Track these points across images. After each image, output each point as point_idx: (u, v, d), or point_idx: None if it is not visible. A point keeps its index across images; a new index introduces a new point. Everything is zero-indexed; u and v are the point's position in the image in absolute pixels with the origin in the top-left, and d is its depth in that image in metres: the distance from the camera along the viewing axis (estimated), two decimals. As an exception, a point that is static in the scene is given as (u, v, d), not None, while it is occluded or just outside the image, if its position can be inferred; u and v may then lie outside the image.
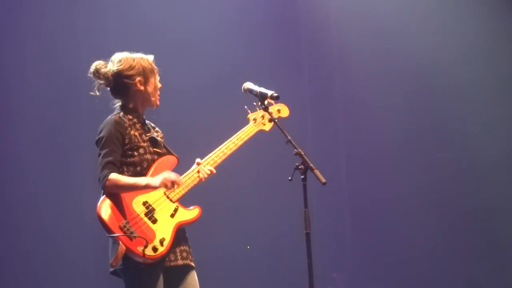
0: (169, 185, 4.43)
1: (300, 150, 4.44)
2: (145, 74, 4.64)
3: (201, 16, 8.27)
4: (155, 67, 4.70)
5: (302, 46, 8.72)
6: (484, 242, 8.11)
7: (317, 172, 4.37)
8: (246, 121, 4.76)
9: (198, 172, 4.57)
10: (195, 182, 4.57)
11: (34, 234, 7.74)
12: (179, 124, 7.46)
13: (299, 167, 4.41)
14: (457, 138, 8.26)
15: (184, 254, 4.55)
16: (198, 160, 4.64)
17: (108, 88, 4.66)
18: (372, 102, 8.45)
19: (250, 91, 4.72)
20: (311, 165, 4.38)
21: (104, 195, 4.39)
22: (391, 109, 8.38)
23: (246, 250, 8.20)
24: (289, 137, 4.50)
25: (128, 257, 4.34)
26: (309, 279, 4.37)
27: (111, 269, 4.46)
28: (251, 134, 4.74)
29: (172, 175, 4.44)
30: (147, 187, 4.42)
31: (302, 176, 4.40)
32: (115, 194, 4.38)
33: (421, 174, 8.31)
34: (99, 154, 4.45)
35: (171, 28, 8.11)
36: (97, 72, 4.62)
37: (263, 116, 4.79)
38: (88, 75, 4.66)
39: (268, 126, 4.78)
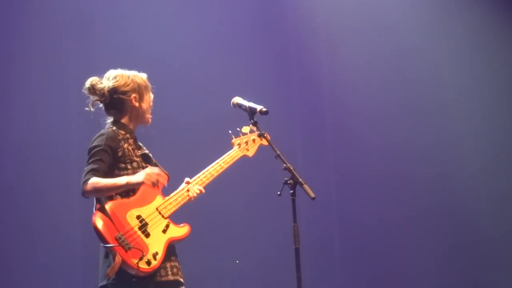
0: (154, 181, 4.44)
1: (289, 165, 4.46)
2: (140, 91, 4.70)
3: (187, 30, 8.27)
4: (149, 84, 4.76)
5: (291, 60, 8.73)
6: (476, 253, 8.11)
7: (306, 187, 4.39)
8: (231, 143, 4.87)
9: (188, 191, 4.64)
10: (185, 200, 4.64)
11: (20, 246, 7.69)
12: (166, 139, 7.43)
13: (288, 182, 4.43)
14: (444, 152, 8.28)
15: (175, 270, 4.58)
16: (187, 179, 4.70)
17: (101, 105, 4.69)
18: (362, 116, 8.46)
19: (239, 105, 4.76)
20: (300, 180, 4.40)
21: (99, 207, 4.41)
22: (381, 124, 8.39)
23: (235, 265, 8.17)
24: (278, 152, 4.52)
25: (120, 271, 4.35)
26: (298, 293, 4.37)
27: (101, 284, 4.47)
28: (236, 158, 4.85)
29: (155, 170, 4.47)
30: (128, 185, 4.44)
31: (291, 191, 4.42)
32: (112, 205, 4.40)
33: (411, 187, 8.30)
34: (87, 163, 4.49)
35: (156, 45, 8.11)
36: (92, 88, 4.66)
37: (246, 142, 4.92)
38: (83, 91, 4.69)
39: (251, 152, 4.92)
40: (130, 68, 4.80)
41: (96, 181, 4.39)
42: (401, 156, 8.35)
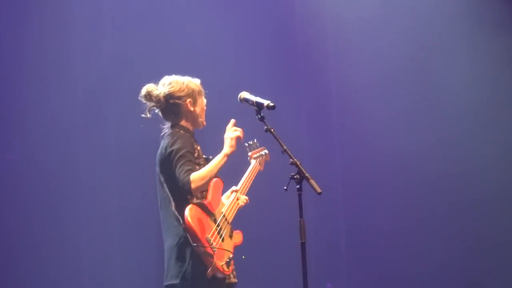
0: (238, 138, 4.75)
1: (295, 159, 4.46)
2: (194, 95, 4.87)
3: (196, 26, 8.27)
4: (202, 89, 4.93)
5: (298, 57, 8.74)
6: (483, 249, 8.10)
7: (312, 182, 4.38)
8: (248, 156, 5.19)
9: (238, 199, 4.92)
10: (237, 208, 4.91)
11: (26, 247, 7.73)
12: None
13: (295, 176, 4.42)
14: (452, 149, 8.27)
15: (235, 273, 4.80)
16: (234, 187, 4.96)
17: (157, 110, 4.84)
18: (368, 113, 8.46)
19: (246, 100, 4.77)
20: (307, 174, 4.40)
21: (189, 207, 4.54)
22: (387, 120, 8.39)
23: (241, 260, 8.18)
24: (285, 147, 4.52)
25: (196, 271, 4.52)
26: (304, 288, 4.37)
27: (172, 282, 4.61)
28: (257, 171, 5.16)
29: (231, 133, 4.75)
30: (226, 158, 4.69)
31: (298, 186, 4.41)
32: (197, 207, 4.57)
33: (417, 184, 8.30)
34: (176, 165, 4.60)
35: (165, 41, 8.12)
36: (148, 95, 4.81)
37: (259, 157, 5.20)
38: (139, 98, 4.83)
39: (262, 166, 5.21)
40: (137, 67, 4.85)
41: (197, 174, 4.55)
42: (407, 152, 8.34)
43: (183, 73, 4.96)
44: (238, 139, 4.75)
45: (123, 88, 7.87)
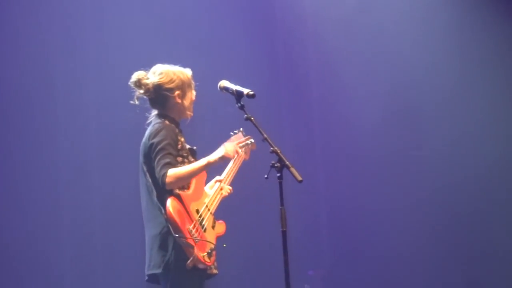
0: (235, 153, 4.71)
1: (276, 148, 4.47)
2: (183, 88, 4.86)
3: (175, 15, 8.24)
4: (193, 81, 4.92)
5: (278, 45, 8.73)
6: (461, 238, 8.13)
7: (293, 170, 4.40)
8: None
9: (222, 189, 4.91)
10: (221, 198, 4.89)
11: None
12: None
13: (275, 165, 4.43)
14: (431, 135, 8.30)
15: (216, 264, 4.79)
16: (218, 177, 4.95)
17: (145, 97, 4.84)
18: (349, 101, 8.47)
19: (226, 89, 4.78)
20: (287, 163, 4.41)
21: (170, 198, 4.54)
22: (367, 107, 8.41)
23: (223, 249, 8.17)
24: (265, 135, 4.53)
25: (177, 261, 4.53)
26: (285, 276, 4.39)
27: (154, 271, 4.62)
28: (242, 160, 5.10)
29: (233, 143, 4.76)
30: (209, 165, 4.65)
31: (278, 174, 4.42)
32: (179, 198, 4.56)
33: (399, 171, 8.32)
34: (156, 158, 4.59)
35: (147, 29, 8.08)
36: (138, 82, 4.81)
37: (245, 146, 5.12)
38: (129, 83, 4.83)
39: (247, 156, 5.16)
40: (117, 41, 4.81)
41: (175, 170, 4.54)
42: (389, 140, 8.35)
43: (161, 62, 4.94)
44: (235, 155, 4.73)
45: (104, 77, 7.83)
